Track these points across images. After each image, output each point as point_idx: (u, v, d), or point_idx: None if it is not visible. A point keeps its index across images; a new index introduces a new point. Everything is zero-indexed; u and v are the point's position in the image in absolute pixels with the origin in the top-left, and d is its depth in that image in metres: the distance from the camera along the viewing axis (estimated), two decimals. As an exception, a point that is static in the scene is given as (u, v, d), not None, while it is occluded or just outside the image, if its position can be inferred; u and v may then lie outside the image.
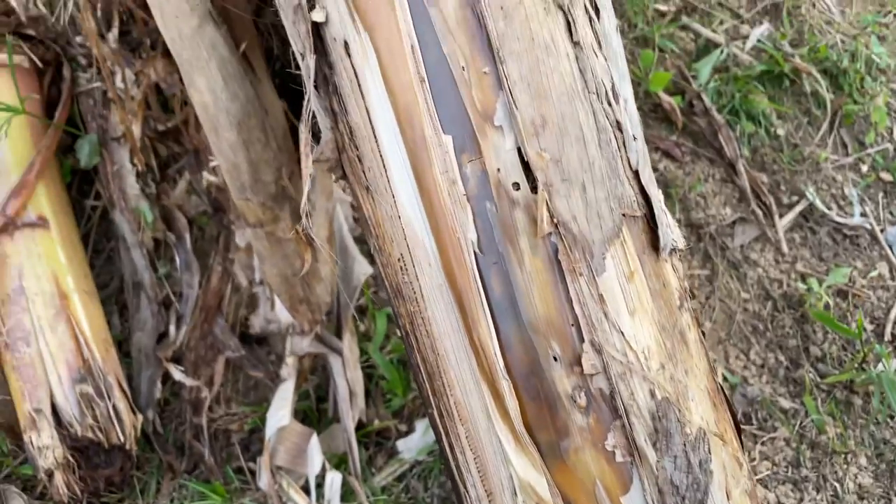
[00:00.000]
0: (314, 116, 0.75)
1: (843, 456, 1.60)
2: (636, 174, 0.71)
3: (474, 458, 0.70)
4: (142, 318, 1.52)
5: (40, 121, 1.41)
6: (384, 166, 0.70)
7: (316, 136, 0.77)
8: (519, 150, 0.68)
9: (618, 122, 0.71)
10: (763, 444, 1.62)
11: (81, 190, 1.61)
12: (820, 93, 2.04)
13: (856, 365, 1.65)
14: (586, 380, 0.67)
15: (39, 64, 1.44)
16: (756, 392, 1.68)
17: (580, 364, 0.67)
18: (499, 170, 0.68)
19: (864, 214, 1.93)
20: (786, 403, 1.67)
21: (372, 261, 1.43)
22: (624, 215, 0.68)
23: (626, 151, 0.71)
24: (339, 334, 1.48)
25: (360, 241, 1.51)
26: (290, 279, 1.24)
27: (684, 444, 0.66)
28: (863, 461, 1.61)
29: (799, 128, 2.03)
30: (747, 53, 2.09)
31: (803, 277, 1.81)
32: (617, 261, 0.68)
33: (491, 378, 0.67)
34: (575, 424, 0.67)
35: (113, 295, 1.58)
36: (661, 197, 0.74)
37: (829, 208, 1.93)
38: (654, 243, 0.71)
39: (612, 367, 0.67)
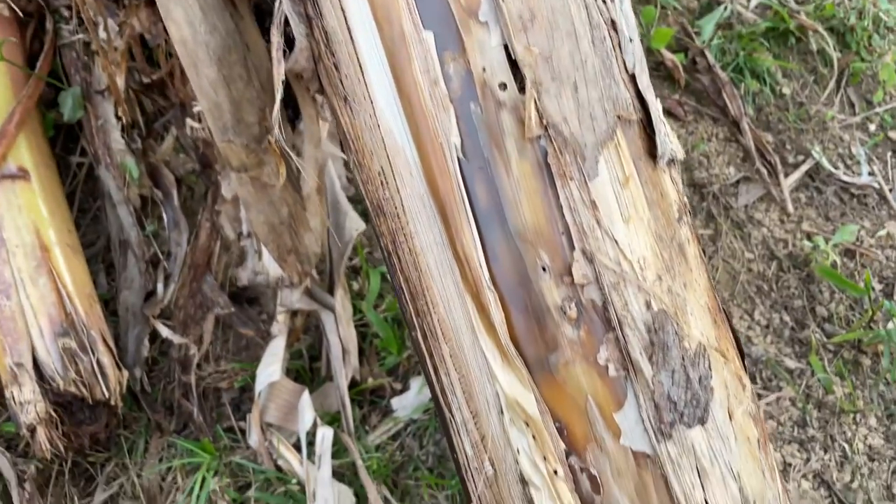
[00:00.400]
0: (287, 23, 0.70)
1: (851, 416, 1.55)
2: (633, 78, 0.67)
3: (459, 379, 0.65)
4: (129, 276, 1.48)
5: (21, 70, 1.37)
6: (361, 71, 0.66)
7: (291, 45, 0.73)
8: (506, 46, 0.63)
9: (612, 21, 0.66)
10: (768, 403, 1.57)
11: (66, 147, 1.57)
12: (826, 51, 1.99)
13: (864, 323, 1.60)
14: (577, 290, 0.63)
15: (20, 14, 1.40)
16: (760, 352, 1.64)
17: (570, 274, 0.63)
18: (484, 69, 0.64)
19: (871, 174, 1.88)
20: (791, 363, 1.63)
21: (366, 219, 1.39)
22: (619, 118, 0.64)
23: (621, 52, 0.66)
24: (331, 291, 1.44)
25: (354, 200, 1.46)
26: (277, 228, 1.19)
27: (682, 359, 0.62)
28: (872, 422, 1.56)
29: (805, 86, 1.97)
30: (752, 10, 2.03)
31: (809, 237, 1.76)
32: (611, 165, 0.63)
33: (475, 291, 0.63)
34: (565, 337, 0.63)
35: (99, 253, 1.54)
36: (660, 107, 0.70)
37: (836, 167, 1.88)
38: (652, 151, 0.67)
39: (605, 276, 0.62)
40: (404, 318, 0.71)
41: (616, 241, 0.63)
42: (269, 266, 1.30)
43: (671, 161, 0.68)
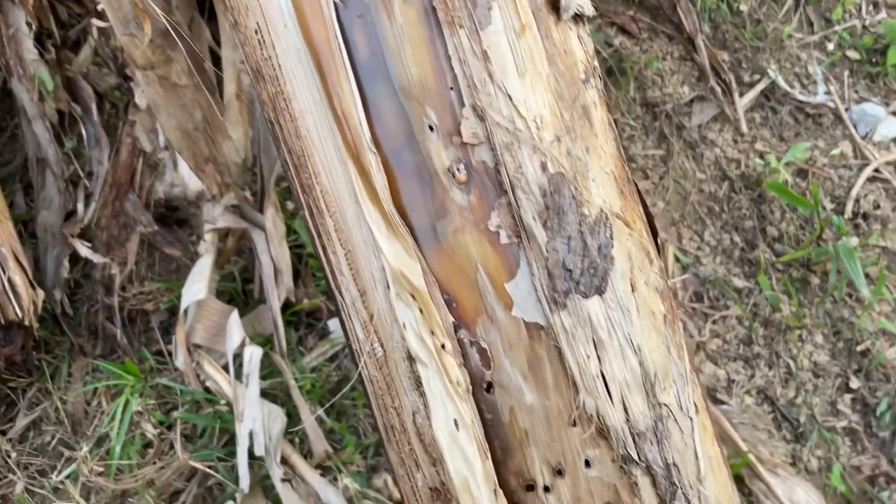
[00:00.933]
0: None
1: (797, 333, 1.54)
2: (533, -78, 0.60)
3: (345, 255, 0.60)
4: (48, 195, 1.40)
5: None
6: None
7: None
8: None
9: None
10: (714, 322, 1.55)
11: (-24, 60, 1.47)
12: (786, -35, 1.92)
13: (813, 240, 1.58)
14: (467, 151, 0.57)
15: None
16: (709, 272, 1.61)
17: (459, 133, 0.57)
18: None
19: (828, 93, 1.83)
20: (739, 283, 1.61)
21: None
22: (514, -39, 0.58)
23: None
24: (262, 209, 1.37)
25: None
26: (192, 134, 1.12)
27: (580, 225, 0.57)
28: (818, 339, 1.55)
29: (763, 3, 1.91)
30: (709, -77, 1.95)
31: (762, 156, 1.72)
32: (505, 13, 0.57)
33: (356, 153, 0.57)
34: (454, 203, 0.57)
35: (16, 173, 1.46)
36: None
37: (792, 87, 1.83)
38: (555, 4, 0.60)
39: (497, 135, 0.57)
40: (293, 197, 0.66)
41: (510, 97, 0.57)
42: (189, 179, 1.23)
43: (578, 17, 0.62)
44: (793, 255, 1.59)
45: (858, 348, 1.53)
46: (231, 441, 1.26)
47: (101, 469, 1.21)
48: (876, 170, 1.72)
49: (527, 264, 0.57)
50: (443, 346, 0.57)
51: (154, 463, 1.22)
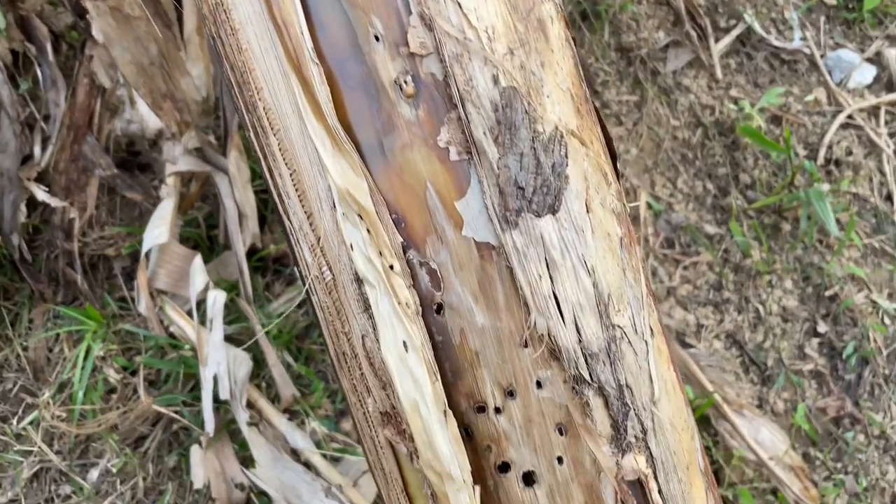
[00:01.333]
0: None
1: (767, 279, 1.54)
2: None
3: (291, 175, 0.58)
4: (3, 139, 1.35)
5: None
6: None
7: None
8: None
9: None
10: (685, 268, 1.55)
11: (-77, -5, 1.41)
12: None
13: (785, 185, 1.57)
14: (415, 62, 0.55)
15: None
16: (681, 218, 1.60)
17: (407, 44, 0.55)
18: None
19: (803, 39, 1.81)
20: (711, 229, 1.60)
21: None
22: None
23: None
24: (225, 152, 1.34)
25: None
26: (148, 69, 1.08)
27: (533, 141, 0.55)
28: (788, 284, 1.56)
29: (740, -54, 1.87)
30: None
31: (736, 102, 1.70)
32: (454, -83, 0.54)
33: (298, 65, 0.55)
34: (401, 118, 0.55)
35: (-31, 115, 1.40)
36: None
37: (768, 32, 1.81)
38: (508, -89, 0.57)
39: (446, 46, 0.54)
40: (240, 118, 0.63)
41: (459, 5, 0.54)
42: (148, 117, 1.19)
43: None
44: (764, 202, 1.59)
45: (827, 293, 1.53)
46: (196, 387, 1.24)
47: (64, 415, 1.20)
48: (849, 116, 1.71)
49: (477, 182, 0.55)
50: (391, 267, 0.55)
51: (117, 408, 1.21)
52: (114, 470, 1.19)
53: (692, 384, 1.31)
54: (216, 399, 1.18)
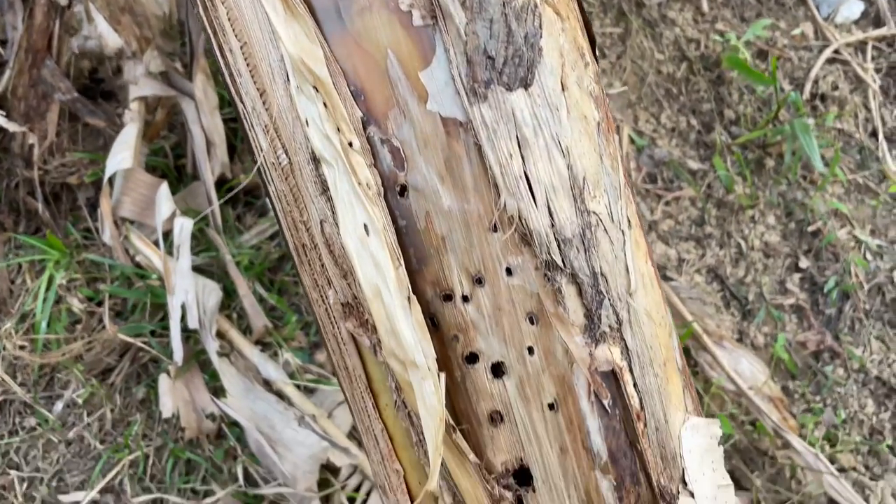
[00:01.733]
0: None
1: (749, 214, 1.52)
2: None
3: (241, 48, 0.54)
4: (-44, 62, 1.29)
5: None
6: None
7: None
8: None
9: None
10: (667, 203, 1.52)
11: None
12: None
13: (770, 119, 1.54)
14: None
15: None
16: (664, 154, 1.57)
17: None
18: None
19: (792, -29, 1.76)
20: (694, 165, 1.57)
21: None
22: None
23: None
24: (191, 77, 1.28)
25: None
26: (104, -22, 1.02)
27: (504, 7, 0.51)
28: (771, 220, 1.53)
29: None
30: None
31: (722, 35, 1.66)
32: None
33: (248, -80, 0.50)
34: (360, -21, 0.51)
35: (-80, 38, 1.33)
36: None
37: (757, -36, 1.76)
38: None
39: None
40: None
41: None
42: (107, 34, 1.13)
43: None
44: (749, 136, 1.56)
45: (809, 229, 1.52)
46: (165, 317, 1.21)
47: (27, 345, 1.16)
48: (836, 51, 1.68)
49: (443, 50, 0.51)
50: (350, 145, 0.51)
51: (82, 338, 1.17)
52: (80, 401, 1.15)
53: (672, 315, 1.29)
54: (185, 329, 1.14)
